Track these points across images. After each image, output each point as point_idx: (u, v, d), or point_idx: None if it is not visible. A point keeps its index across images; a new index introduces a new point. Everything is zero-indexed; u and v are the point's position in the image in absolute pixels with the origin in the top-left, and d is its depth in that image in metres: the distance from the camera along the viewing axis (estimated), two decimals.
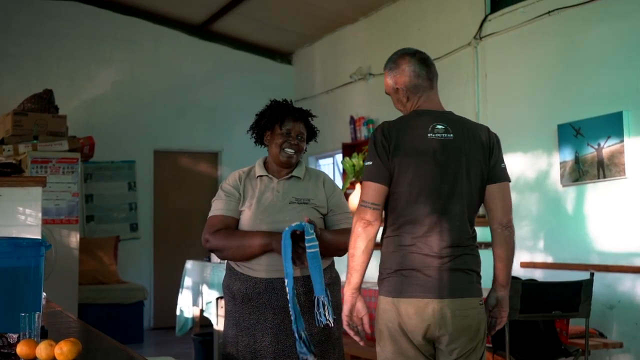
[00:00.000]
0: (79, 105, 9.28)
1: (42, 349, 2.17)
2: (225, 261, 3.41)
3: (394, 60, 2.96)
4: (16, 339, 2.27)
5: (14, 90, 8.76)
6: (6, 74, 9.06)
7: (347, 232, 3.15)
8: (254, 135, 3.42)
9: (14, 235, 4.28)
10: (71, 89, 9.27)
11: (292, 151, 3.31)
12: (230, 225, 3.26)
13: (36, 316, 2.29)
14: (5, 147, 7.23)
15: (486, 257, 6.98)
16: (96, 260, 8.70)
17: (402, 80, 2.92)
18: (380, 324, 2.78)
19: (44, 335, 2.43)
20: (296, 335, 3.06)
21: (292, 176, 3.35)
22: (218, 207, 3.30)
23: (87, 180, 9.38)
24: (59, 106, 7.88)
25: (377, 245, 2.79)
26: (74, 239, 7.29)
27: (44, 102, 7.67)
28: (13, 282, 2.54)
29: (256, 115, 3.43)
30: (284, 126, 3.32)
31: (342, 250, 3.31)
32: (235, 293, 3.26)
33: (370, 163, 2.80)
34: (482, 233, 7.07)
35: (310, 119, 3.43)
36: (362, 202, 2.75)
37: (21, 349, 2.20)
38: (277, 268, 3.17)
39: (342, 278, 5.76)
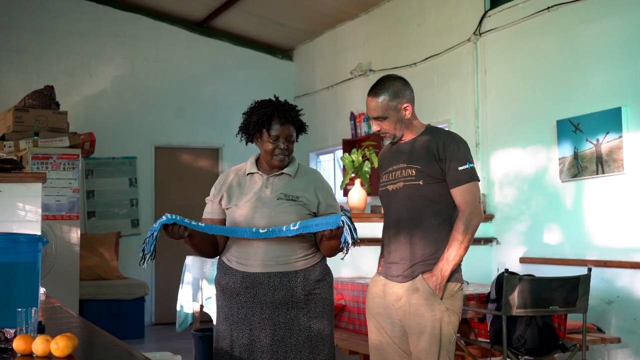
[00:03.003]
0: (80, 101, 9.30)
1: (38, 344, 2.18)
2: (217, 257, 3.44)
3: (392, 84, 3.36)
4: (13, 334, 2.29)
5: (15, 86, 8.79)
6: (7, 70, 9.09)
7: None
8: (244, 137, 3.39)
9: (14, 231, 4.29)
10: (71, 85, 9.29)
11: (282, 156, 3.29)
12: None
13: (33, 311, 2.30)
14: (6, 143, 7.24)
15: (484, 253, 6.95)
16: (97, 256, 8.72)
17: (407, 98, 3.35)
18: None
19: (41, 330, 2.44)
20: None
21: (282, 173, 3.33)
22: (204, 211, 3.42)
23: (89, 177, 9.40)
24: (59, 102, 7.89)
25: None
26: (75, 234, 7.30)
27: (45, 98, 7.67)
28: (10, 277, 2.55)
29: (243, 114, 3.38)
30: (272, 131, 3.26)
31: (335, 250, 3.31)
32: (224, 287, 3.29)
33: (474, 165, 3.31)
34: (481, 229, 7.05)
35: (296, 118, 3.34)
36: (479, 200, 3.29)
37: (18, 344, 2.21)
38: (272, 262, 3.20)
39: (342, 274, 5.78)
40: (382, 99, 3.32)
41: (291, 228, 3.09)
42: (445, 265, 3.22)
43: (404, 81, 3.39)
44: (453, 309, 3.29)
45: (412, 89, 3.40)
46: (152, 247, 3.12)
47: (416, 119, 3.42)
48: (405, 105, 3.34)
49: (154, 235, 3.10)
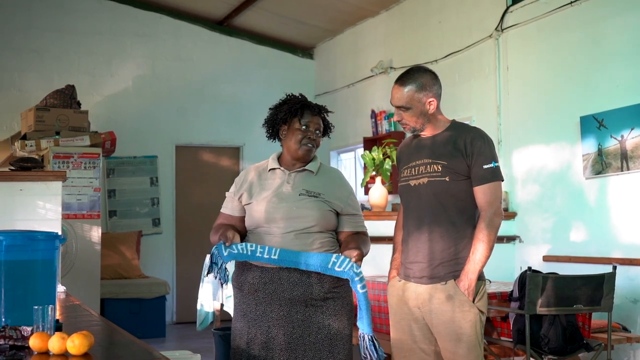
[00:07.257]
0: (101, 100, 9.34)
1: (54, 342, 2.17)
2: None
3: (420, 77, 3.31)
4: (29, 332, 2.27)
5: (36, 86, 8.86)
6: (28, 70, 9.14)
7: (357, 236, 3.31)
8: (269, 129, 3.39)
9: (33, 229, 4.30)
10: (92, 85, 9.34)
11: (311, 145, 3.30)
12: (229, 222, 3.35)
13: (49, 309, 2.28)
14: (27, 142, 7.28)
15: (507, 252, 6.87)
16: (119, 255, 8.75)
17: (434, 93, 3.31)
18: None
19: (58, 328, 2.43)
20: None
21: (304, 169, 3.33)
22: (223, 205, 3.43)
23: (110, 176, 9.43)
24: (80, 101, 7.93)
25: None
26: (96, 233, 7.32)
27: (66, 97, 7.71)
28: (27, 275, 2.55)
29: (270, 109, 3.41)
30: (303, 120, 3.29)
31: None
32: (243, 284, 3.27)
33: (499, 164, 3.28)
34: (504, 227, 6.97)
35: (325, 115, 3.40)
36: (500, 200, 3.26)
37: (34, 342, 2.20)
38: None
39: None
40: (408, 89, 3.28)
41: (308, 262, 3.12)
42: (473, 268, 3.19)
43: (433, 75, 3.35)
44: (483, 309, 3.28)
45: (440, 84, 3.36)
46: (226, 275, 3.18)
47: (441, 114, 3.37)
48: (430, 99, 3.29)
49: (224, 266, 3.14)
